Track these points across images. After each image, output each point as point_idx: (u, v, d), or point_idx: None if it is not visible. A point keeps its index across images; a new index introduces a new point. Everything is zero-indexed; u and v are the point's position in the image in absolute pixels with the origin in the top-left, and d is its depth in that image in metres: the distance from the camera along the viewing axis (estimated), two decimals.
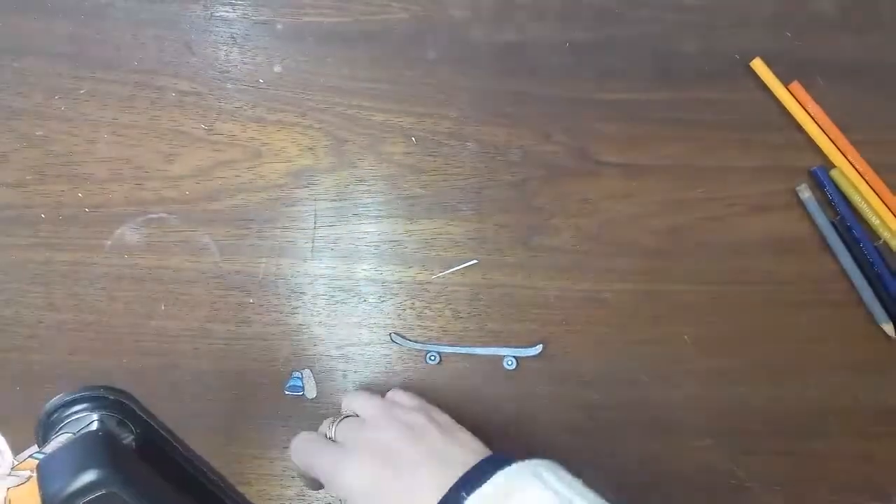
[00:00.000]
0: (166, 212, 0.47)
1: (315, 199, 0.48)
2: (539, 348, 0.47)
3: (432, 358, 0.47)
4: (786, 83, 0.49)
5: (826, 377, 0.48)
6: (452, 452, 0.36)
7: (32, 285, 0.47)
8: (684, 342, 0.48)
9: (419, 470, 0.35)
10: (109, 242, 0.47)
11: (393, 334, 0.47)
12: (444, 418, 0.40)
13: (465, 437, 0.38)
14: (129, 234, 0.47)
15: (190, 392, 0.46)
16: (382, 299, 0.48)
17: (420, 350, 0.47)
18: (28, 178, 0.47)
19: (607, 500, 0.33)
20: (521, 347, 0.47)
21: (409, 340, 0.47)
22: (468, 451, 0.36)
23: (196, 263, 0.47)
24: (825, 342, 0.48)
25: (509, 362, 0.47)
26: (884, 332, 0.48)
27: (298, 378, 0.47)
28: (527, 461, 0.33)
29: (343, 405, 0.44)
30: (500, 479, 0.32)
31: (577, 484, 0.33)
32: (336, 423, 0.41)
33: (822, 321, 0.48)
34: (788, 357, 0.48)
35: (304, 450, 0.40)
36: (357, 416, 0.41)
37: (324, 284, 0.47)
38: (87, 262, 0.47)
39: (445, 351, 0.47)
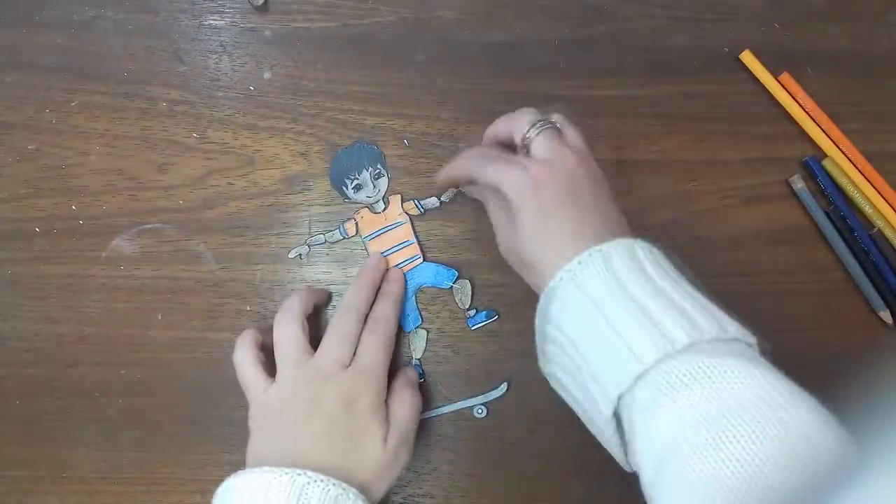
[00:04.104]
0: (161, 222, 0.47)
1: (309, 205, 0.48)
2: (504, 387, 0.46)
3: None
4: (776, 74, 0.49)
5: (824, 366, 0.48)
6: (612, 217, 0.38)
7: (29, 299, 0.47)
8: None
9: (590, 215, 0.37)
10: (105, 254, 0.47)
11: None
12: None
13: (620, 213, 0.39)
14: (125, 245, 0.47)
15: (190, 401, 0.46)
16: None
17: None
18: (21, 191, 0.47)
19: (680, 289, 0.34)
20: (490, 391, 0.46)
21: None
22: (620, 224, 0.38)
23: (192, 272, 0.47)
24: (823, 331, 0.48)
25: (479, 411, 0.47)
26: (881, 320, 0.48)
27: None
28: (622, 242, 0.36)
29: (553, 116, 0.42)
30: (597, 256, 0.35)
31: (651, 270, 0.35)
32: (540, 128, 0.39)
33: (820, 310, 0.48)
34: (786, 347, 0.48)
35: (480, 156, 0.41)
36: (555, 127, 0.40)
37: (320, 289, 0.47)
38: (84, 274, 0.47)
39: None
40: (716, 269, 0.48)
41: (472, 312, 0.47)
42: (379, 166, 0.48)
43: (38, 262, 0.47)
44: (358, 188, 0.47)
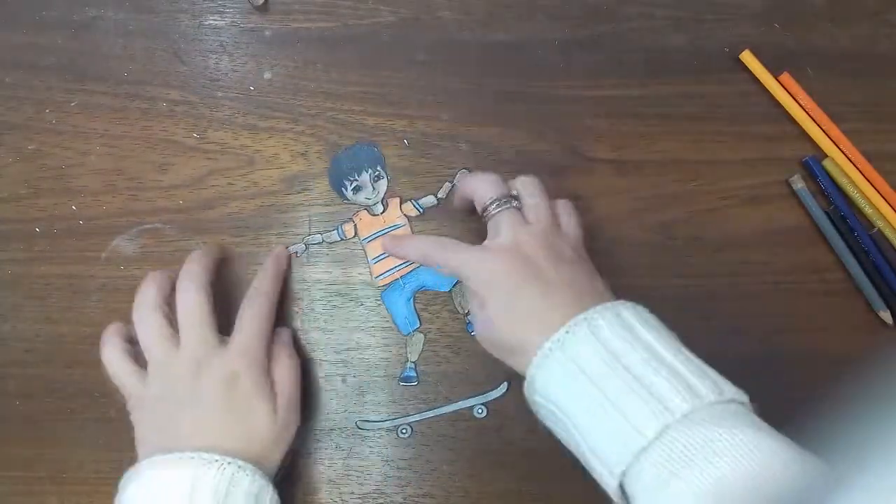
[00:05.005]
0: (161, 222, 0.47)
1: (309, 205, 0.48)
2: (504, 387, 0.46)
3: (404, 431, 0.46)
4: (776, 74, 0.49)
5: (824, 366, 0.48)
6: (585, 288, 0.38)
7: (29, 299, 0.47)
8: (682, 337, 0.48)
9: (559, 291, 0.37)
10: (105, 254, 0.47)
11: (358, 421, 0.46)
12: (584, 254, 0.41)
13: (598, 281, 0.39)
14: (125, 245, 0.47)
15: None
16: (379, 303, 0.48)
17: (391, 427, 0.46)
18: (21, 192, 0.47)
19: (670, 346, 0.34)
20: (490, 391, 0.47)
21: (376, 422, 0.46)
22: (597, 293, 0.38)
23: None
24: (823, 332, 0.48)
25: (479, 411, 0.46)
26: (881, 320, 0.48)
27: None
28: (607, 305, 0.36)
29: (517, 184, 0.41)
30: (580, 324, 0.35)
31: (640, 331, 0.35)
32: (499, 207, 0.40)
33: (820, 311, 0.48)
34: (787, 348, 0.48)
35: (438, 243, 0.41)
36: (518, 203, 0.40)
37: (321, 290, 0.47)
38: (84, 274, 0.47)
39: (414, 420, 0.46)
40: (716, 269, 0.48)
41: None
42: (379, 168, 0.48)
43: (38, 262, 0.47)
44: (357, 190, 0.47)
